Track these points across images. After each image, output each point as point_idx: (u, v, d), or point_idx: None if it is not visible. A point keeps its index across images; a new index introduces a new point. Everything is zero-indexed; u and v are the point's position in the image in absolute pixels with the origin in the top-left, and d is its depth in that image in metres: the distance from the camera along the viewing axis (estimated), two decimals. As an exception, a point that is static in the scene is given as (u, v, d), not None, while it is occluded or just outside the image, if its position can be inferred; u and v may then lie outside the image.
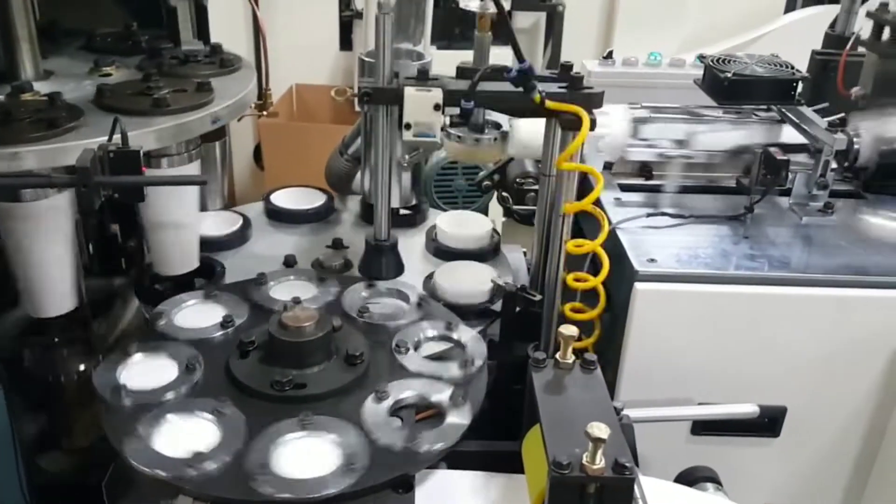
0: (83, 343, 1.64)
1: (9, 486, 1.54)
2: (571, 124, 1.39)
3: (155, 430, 1.21)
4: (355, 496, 1.13)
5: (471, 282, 1.64)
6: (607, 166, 1.81)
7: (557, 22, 3.33)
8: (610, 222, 1.56)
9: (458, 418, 1.27)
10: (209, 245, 1.78)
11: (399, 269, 1.70)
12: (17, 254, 1.47)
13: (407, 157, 1.75)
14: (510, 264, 1.82)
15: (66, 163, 1.32)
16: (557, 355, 1.24)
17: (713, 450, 1.52)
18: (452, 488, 1.24)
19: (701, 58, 1.90)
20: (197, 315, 1.49)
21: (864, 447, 1.56)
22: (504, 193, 1.98)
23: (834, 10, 2.20)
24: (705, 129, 1.80)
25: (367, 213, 2.01)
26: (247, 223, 1.92)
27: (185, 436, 1.20)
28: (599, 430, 1.01)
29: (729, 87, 1.74)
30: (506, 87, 1.41)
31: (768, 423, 1.52)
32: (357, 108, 2.15)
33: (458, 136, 1.55)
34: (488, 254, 1.80)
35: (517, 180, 1.89)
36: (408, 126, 1.39)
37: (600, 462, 1.02)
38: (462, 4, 1.45)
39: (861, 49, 1.90)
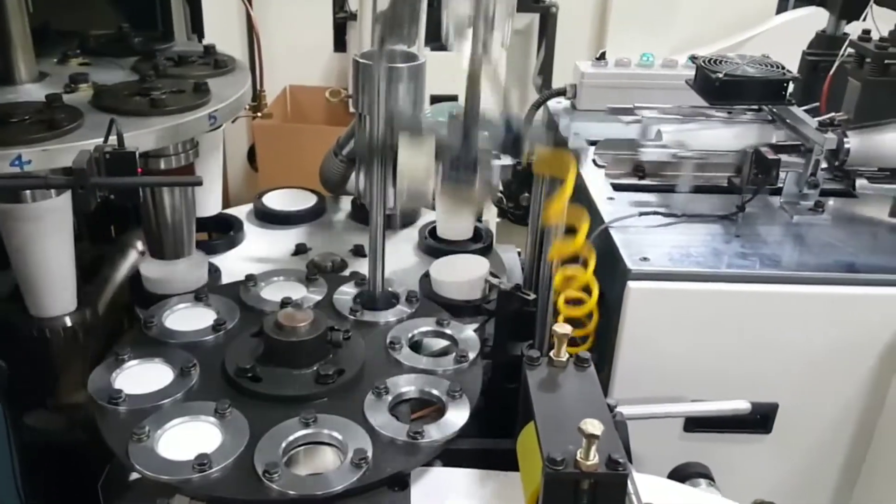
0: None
1: (5, 487, 1.54)
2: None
3: (157, 434, 1.21)
4: (363, 491, 1.15)
5: (466, 277, 1.65)
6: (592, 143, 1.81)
7: (551, 23, 3.35)
8: (603, 221, 1.59)
9: (457, 410, 1.29)
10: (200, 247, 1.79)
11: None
12: (17, 254, 1.48)
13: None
14: (504, 264, 1.84)
15: (66, 163, 1.32)
16: (551, 353, 1.25)
17: (705, 446, 1.53)
18: (447, 486, 1.25)
19: (693, 58, 1.91)
20: (188, 318, 1.50)
21: (855, 443, 1.57)
22: (498, 193, 1.99)
23: (825, 11, 2.22)
24: (697, 129, 1.81)
25: (357, 214, 2.02)
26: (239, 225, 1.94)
27: (188, 439, 1.21)
28: (593, 426, 1.01)
29: (720, 88, 1.75)
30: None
31: (760, 419, 1.53)
32: (351, 110, 2.15)
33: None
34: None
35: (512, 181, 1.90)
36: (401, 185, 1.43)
37: (594, 458, 1.03)
38: (451, 45, 1.46)
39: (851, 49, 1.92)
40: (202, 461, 1.14)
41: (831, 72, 1.84)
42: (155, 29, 1.90)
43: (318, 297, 1.57)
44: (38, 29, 1.76)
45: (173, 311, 1.52)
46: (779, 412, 1.53)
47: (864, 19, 1.97)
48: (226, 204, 2.11)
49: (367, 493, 1.16)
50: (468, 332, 1.50)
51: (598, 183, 1.77)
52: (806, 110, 1.81)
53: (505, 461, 1.27)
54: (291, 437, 1.21)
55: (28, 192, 1.40)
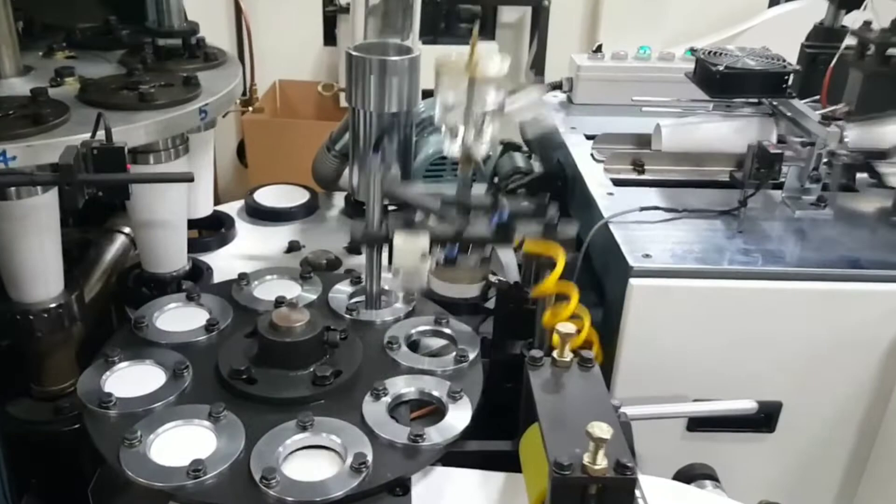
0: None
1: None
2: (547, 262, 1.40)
3: (149, 439, 1.18)
4: (363, 497, 1.12)
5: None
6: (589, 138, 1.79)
7: (543, 17, 3.34)
8: (602, 217, 1.56)
9: (458, 412, 1.26)
10: (191, 245, 1.75)
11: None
12: (2, 252, 1.44)
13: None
14: (502, 262, 1.81)
15: (53, 159, 1.27)
16: (555, 353, 1.22)
17: (708, 446, 1.51)
18: (448, 487, 1.22)
19: (692, 51, 1.89)
20: (180, 318, 1.46)
21: (860, 440, 1.55)
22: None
23: (819, 3, 2.20)
24: (698, 123, 1.79)
25: (351, 210, 1.99)
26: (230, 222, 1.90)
27: (182, 444, 1.18)
28: (601, 430, 0.99)
29: (721, 81, 1.73)
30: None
31: (764, 418, 1.51)
32: (343, 104, 2.12)
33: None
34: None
35: (508, 178, 1.87)
36: (396, 272, 1.42)
37: (602, 462, 1.00)
38: (446, 152, 1.46)
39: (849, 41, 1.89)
40: (197, 467, 1.11)
41: (832, 63, 1.81)
42: (143, 21, 1.85)
43: (313, 296, 1.54)
44: (23, 21, 1.73)
45: (164, 311, 1.48)
46: (783, 410, 1.51)
47: (864, 8, 1.94)
48: (216, 200, 2.07)
49: (368, 498, 1.13)
50: (467, 330, 1.47)
51: (596, 178, 1.75)
52: (807, 103, 1.78)
53: (506, 463, 1.24)
54: (288, 442, 1.17)
55: (13, 189, 1.36)
